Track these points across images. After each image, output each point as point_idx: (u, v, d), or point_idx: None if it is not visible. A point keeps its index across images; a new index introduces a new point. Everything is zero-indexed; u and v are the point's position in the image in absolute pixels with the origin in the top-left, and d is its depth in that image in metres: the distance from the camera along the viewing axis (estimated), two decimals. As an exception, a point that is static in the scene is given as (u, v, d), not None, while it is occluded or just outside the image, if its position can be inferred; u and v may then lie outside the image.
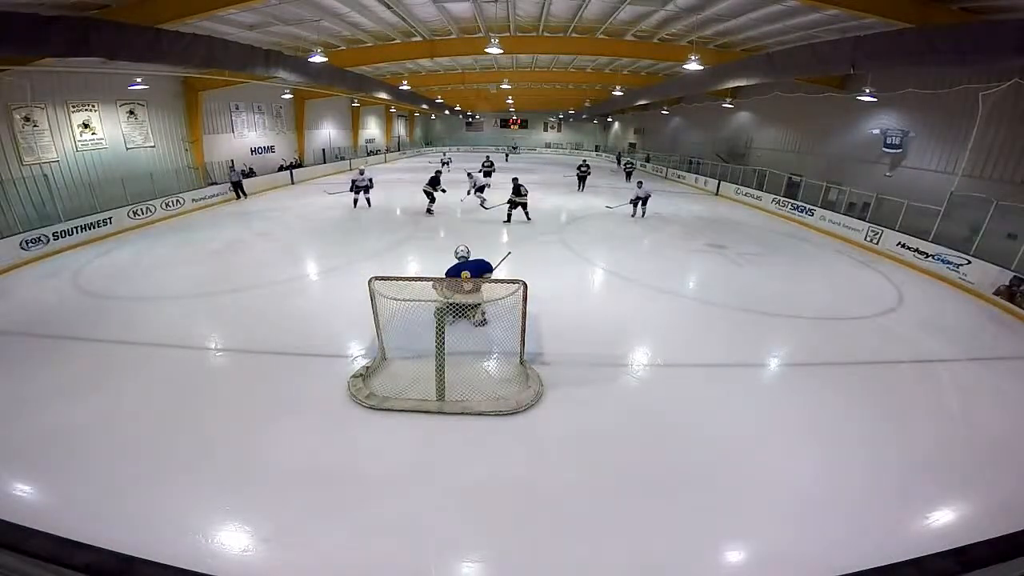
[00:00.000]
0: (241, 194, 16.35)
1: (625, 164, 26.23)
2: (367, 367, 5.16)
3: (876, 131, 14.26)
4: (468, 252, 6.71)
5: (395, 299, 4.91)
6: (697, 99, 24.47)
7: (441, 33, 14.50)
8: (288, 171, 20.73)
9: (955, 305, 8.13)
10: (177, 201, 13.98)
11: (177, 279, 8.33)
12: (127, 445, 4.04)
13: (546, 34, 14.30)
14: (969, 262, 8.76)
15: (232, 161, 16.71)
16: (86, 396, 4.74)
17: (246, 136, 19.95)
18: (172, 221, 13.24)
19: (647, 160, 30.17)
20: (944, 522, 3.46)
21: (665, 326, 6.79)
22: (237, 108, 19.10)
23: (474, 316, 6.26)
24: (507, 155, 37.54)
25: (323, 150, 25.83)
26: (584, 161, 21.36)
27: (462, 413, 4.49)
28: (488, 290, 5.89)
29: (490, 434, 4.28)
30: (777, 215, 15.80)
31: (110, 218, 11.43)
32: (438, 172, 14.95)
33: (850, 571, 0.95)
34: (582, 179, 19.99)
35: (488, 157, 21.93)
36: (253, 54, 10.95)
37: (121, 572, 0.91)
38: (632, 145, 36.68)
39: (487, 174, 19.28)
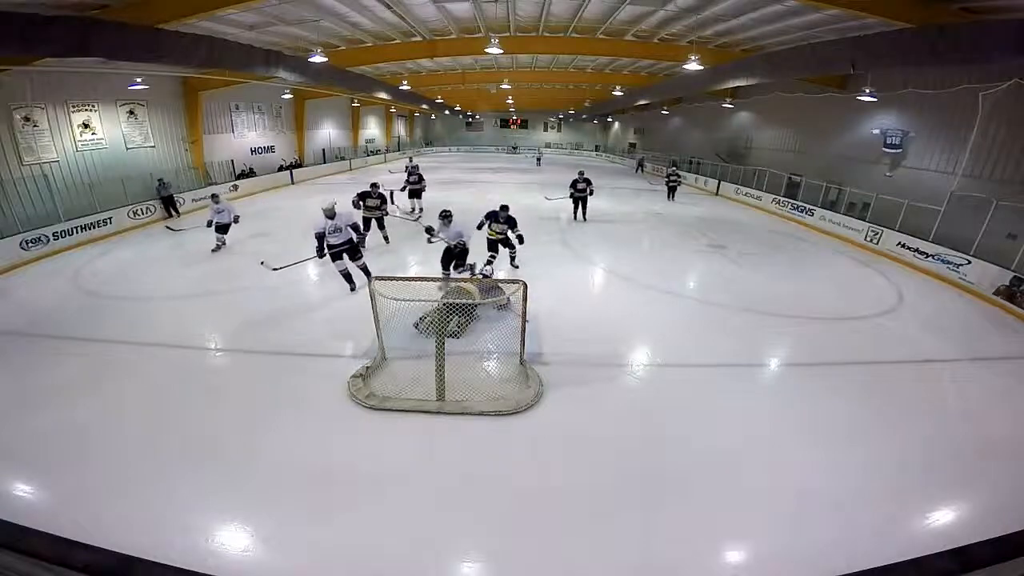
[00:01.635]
0: (173, 212, 13.31)
1: (669, 176, 17.78)
2: (367, 367, 5.15)
3: (876, 131, 14.25)
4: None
5: (395, 299, 4.91)
6: (697, 99, 24.44)
7: (441, 33, 14.50)
8: (288, 171, 20.74)
9: (955, 305, 8.13)
10: (177, 201, 13.97)
11: (177, 279, 8.33)
12: (127, 445, 4.03)
13: (546, 34, 14.30)
14: (969, 262, 8.75)
15: (162, 178, 13.33)
16: (86, 396, 4.74)
17: (246, 136, 19.95)
18: (172, 221, 13.21)
19: (674, 165, 19.20)
20: (944, 522, 3.46)
21: (665, 326, 6.79)
22: (237, 108, 19.11)
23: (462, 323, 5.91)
24: (538, 159, 31.71)
25: (323, 150, 25.83)
26: (582, 174, 13.13)
27: (462, 413, 4.49)
28: (489, 292, 5.89)
29: (490, 434, 4.28)
30: (777, 215, 15.79)
31: (110, 218, 11.43)
32: (373, 187, 10.07)
33: (850, 571, 0.95)
34: (580, 202, 13.26)
35: (414, 163, 14.83)
36: (253, 54, 10.95)
37: (121, 572, 0.91)
38: (632, 145, 36.65)
39: (414, 193, 13.25)
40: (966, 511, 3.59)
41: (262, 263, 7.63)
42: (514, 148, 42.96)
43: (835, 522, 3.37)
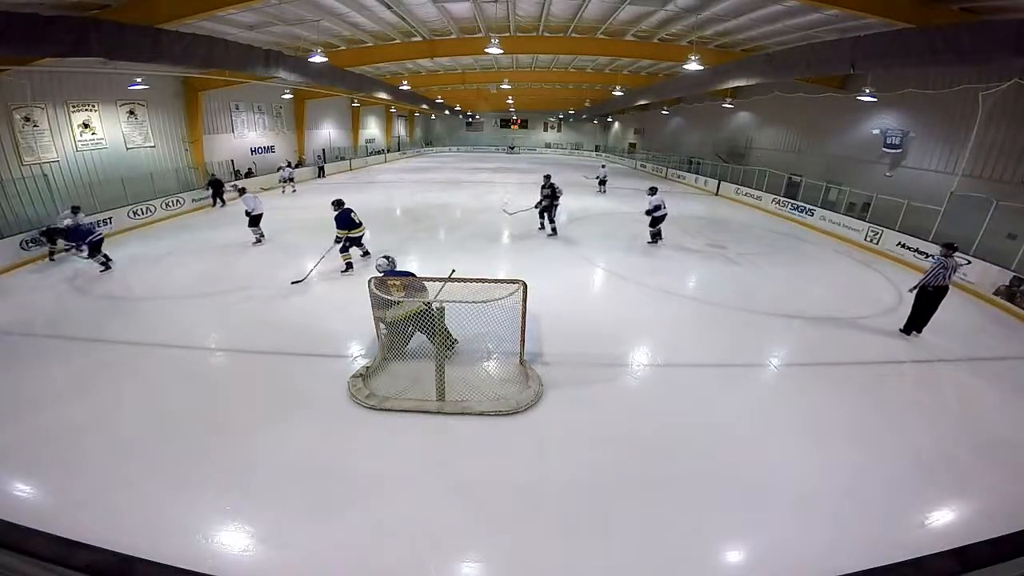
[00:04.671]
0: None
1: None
2: (367, 367, 5.15)
3: (876, 131, 14.27)
4: (393, 264, 5.81)
5: (394, 299, 4.91)
6: (697, 99, 24.48)
7: (441, 33, 14.51)
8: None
9: (955, 305, 8.10)
10: (177, 201, 13.98)
11: (177, 279, 8.33)
12: (127, 445, 4.03)
13: (546, 34, 14.33)
14: (969, 262, 8.74)
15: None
16: (86, 396, 4.74)
17: (246, 136, 19.97)
18: (172, 221, 13.23)
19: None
20: (944, 522, 3.46)
21: (665, 326, 6.79)
22: (237, 108, 19.13)
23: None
24: (602, 180, 19.44)
25: (323, 150, 25.84)
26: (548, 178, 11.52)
27: (462, 413, 4.49)
28: (485, 291, 5.85)
29: (490, 434, 4.28)
30: (777, 215, 15.80)
31: (110, 218, 11.43)
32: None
33: (850, 571, 0.95)
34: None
35: (230, 183, 12.85)
36: (253, 54, 10.96)
37: (121, 572, 0.91)
38: (632, 145, 36.65)
39: (255, 221, 10.44)
40: (966, 511, 3.59)
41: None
42: (511, 148, 42.90)
43: (835, 522, 3.37)
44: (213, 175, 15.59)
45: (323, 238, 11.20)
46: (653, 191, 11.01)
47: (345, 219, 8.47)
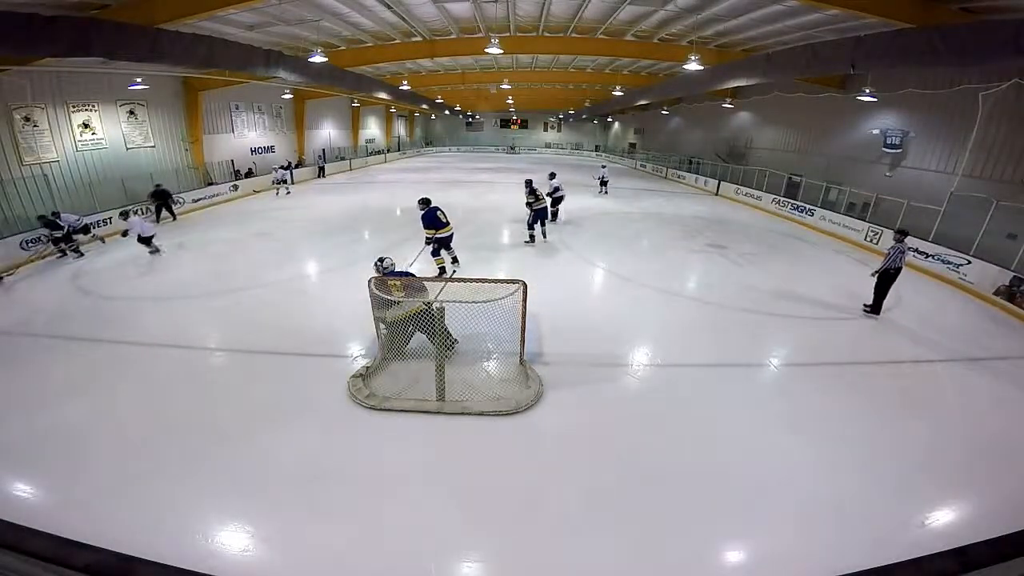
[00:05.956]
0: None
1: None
2: (367, 367, 5.15)
3: (876, 131, 14.27)
4: (393, 264, 5.82)
5: (394, 299, 4.91)
6: (697, 99, 24.48)
7: (441, 33, 14.51)
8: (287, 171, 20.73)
9: (955, 305, 8.13)
10: (177, 201, 13.96)
11: (177, 279, 8.33)
12: (127, 445, 4.03)
13: (546, 34, 14.32)
14: (969, 262, 8.75)
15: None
16: (86, 396, 4.74)
17: (246, 136, 19.98)
18: (171, 221, 13.21)
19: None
20: (944, 522, 3.46)
21: (665, 326, 6.79)
22: (237, 108, 19.13)
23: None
24: (603, 180, 19.09)
25: (323, 150, 25.85)
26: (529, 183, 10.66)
27: (462, 413, 4.49)
28: (485, 291, 5.86)
29: (490, 434, 4.28)
30: (777, 215, 15.79)
31: (110, 218, 11.44)
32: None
33: (850, 571, 0.95)
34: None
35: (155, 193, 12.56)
36: (253, 54, 10.96)
37: (121, 572, 0.91)
38: (632, 145, 36.66)
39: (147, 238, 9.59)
40: (966, 511, 3.58)
41: None
42: (512, 148, 42.94)
43: (835, 522, 3.37)
44: (158, 185, 12.97)
45: (321, 238, 11.26)
46: (552, 176, 12.77)
47: (431, 218, 7.99)
